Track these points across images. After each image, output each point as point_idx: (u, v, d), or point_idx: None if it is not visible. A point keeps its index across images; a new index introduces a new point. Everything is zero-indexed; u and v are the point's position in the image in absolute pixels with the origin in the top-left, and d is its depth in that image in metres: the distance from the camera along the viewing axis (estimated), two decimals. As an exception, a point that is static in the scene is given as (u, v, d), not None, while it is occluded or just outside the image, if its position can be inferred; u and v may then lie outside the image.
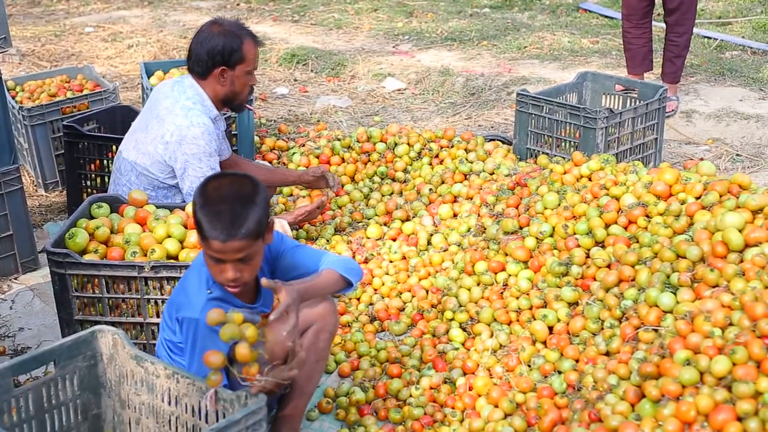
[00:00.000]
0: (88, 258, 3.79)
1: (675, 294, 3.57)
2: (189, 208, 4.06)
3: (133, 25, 10.46)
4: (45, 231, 5.50)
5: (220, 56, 4.41)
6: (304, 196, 5.58)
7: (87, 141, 5.33)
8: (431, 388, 4.01)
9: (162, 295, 3.72)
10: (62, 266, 3.74)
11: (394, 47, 9.35)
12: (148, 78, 6.21)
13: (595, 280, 4.08)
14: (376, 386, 4.01)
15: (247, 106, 5.82)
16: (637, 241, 4.06)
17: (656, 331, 3.51)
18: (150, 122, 4.54)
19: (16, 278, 4.97)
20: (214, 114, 4.52)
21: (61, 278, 3.77)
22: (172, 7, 11.35)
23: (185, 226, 3.94)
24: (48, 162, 5.98)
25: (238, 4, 11.37)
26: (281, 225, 4.72)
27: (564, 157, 5.41)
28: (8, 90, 6.21)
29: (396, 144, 5.85)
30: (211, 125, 4.47)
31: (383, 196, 5.57)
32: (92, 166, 5.38)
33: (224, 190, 3.07)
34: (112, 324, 3.64)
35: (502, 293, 4.37)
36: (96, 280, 3.76)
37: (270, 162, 5.96)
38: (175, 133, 4.43)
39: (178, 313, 3.17)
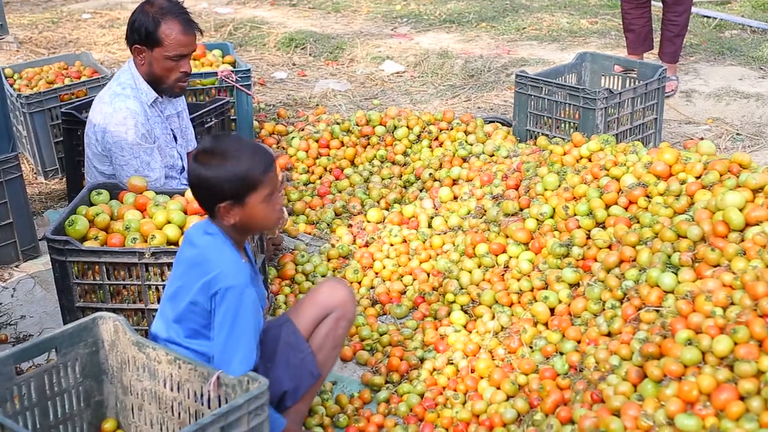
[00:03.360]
0: (88, 245, 3.78)
1: (676, 274, 3.56)
2: (188, 193, 4.06)
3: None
4: (45, 218, 5.50)
5: (136, 34, 4.32)
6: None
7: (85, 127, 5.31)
8: (433, 371, 4.01)
9: (163, 281, 3.72)
10: (63, 253, 3.73)
11: (392, 30, 9.33)
12: (146, 64, 6.19)
13: (596, 261, 4.07)
14: (379, 369, 4.04)
15: (246, 90, 5.85)
16: (638, 222, 4.05)
17: (658, 311, 3.51)
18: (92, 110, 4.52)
19: (17, 266, 4.97)
20: (151, 98, 4.42)
21: (61, 265, 3.77)
22: (170, -7, 11.30)
23: (185, 212, 3.93)
24: (47, 149, 5.97)
25: (235, -11, 11.34)
26: None
27: (564, 138, 5.40)
28: (6, 78, 6.21)
29: (395, 127, 5.84)
30: (139, 110, 4.35)
31: (383, 179, 5.57)
32: (91, 153, 5.37)
33: None
34: (113, 311, 3.64)
35: (503, 275, 4.37)
36: (97, 266, 3.75)
37: (270, 146, 5.95)
38: (101, 122, 4.37)
39: (217, 285, 3.08)
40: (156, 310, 3.74)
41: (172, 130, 4.62)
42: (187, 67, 4.41)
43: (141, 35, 4.32)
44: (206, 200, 3.16)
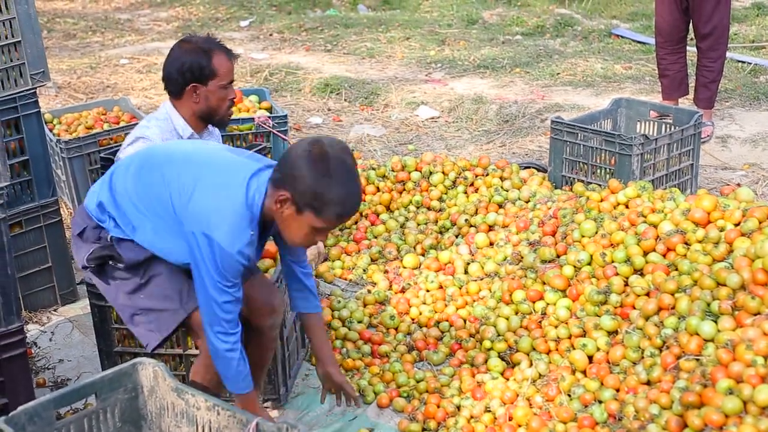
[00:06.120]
0: (127, 290, 3.80)
1: (716, 322, 3.54)
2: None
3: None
4: (83, 263, 5.53)
5: (189, 73, 4.32)
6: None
7: (124, 173, 5.36)
8: (471, 419, 3.99)
9: (201, 326, 3.73)
10: (102, 298, 3.76)
11: (426, 75, 9.38)
12: (184, 109, 6.25)
13: (634, 308, 4.05)
14: (416, 416, 4.02)
15: (282, 136, 5.88)
16: (677, 269, 4.03)
17: (697, 359, 3.48)
18: None
19: (55, 310, 5.01)
20: (187, 133, 4.43)
21: (100, 310, 3.80)
22: (206, 38, 11.43)
23: (223, 258, 3.94)
24: (86, 194, 6.01)
25: (270, 35, 11.44)
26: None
27: (600, 185, 5.39)
28: (46, 123, 6.28)
29: (431, 173, 5.84)
30: (164, 124, 4.39)
31: (419, 225, 5.57)
32: (129, 198, 5.41)
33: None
34: (152, 356, 3.66)
35: (540, 322, 4.35)
36: (135, 311, 3.77)
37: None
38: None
39: (207, 230, 3.17)
40: (194, 355, 3.78)
41: None
42: (233, 94, 4.47)
43: (195, 73, 4.32)
44: None
